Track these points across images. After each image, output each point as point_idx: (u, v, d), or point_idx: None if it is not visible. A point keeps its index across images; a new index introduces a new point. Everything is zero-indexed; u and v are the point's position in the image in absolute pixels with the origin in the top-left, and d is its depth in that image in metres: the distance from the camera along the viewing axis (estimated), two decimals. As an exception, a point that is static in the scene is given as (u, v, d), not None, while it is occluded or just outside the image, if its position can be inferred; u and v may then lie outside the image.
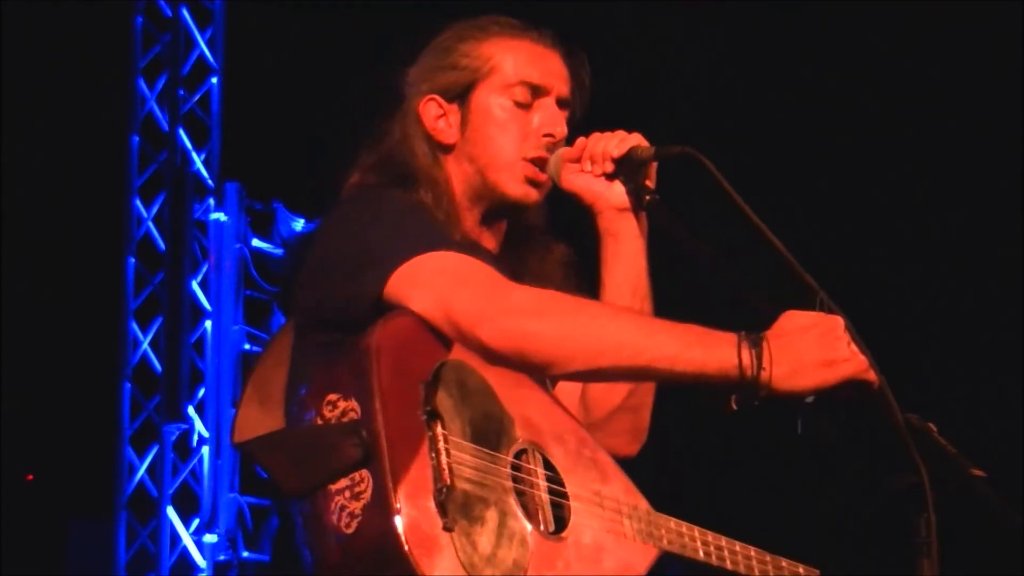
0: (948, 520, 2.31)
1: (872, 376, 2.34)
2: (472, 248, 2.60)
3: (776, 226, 2.46)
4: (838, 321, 2.35)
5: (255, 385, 2.63)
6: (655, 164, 2.73)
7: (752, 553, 2.74)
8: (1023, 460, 6.66)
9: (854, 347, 2.34)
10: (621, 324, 2.37)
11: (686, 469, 8.22)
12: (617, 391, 2.80)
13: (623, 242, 2.77)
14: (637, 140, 2.72)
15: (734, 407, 2.34)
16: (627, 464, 2.76)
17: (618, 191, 2.74)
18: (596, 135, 2.75)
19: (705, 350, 2.33)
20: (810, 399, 2.32)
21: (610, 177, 2.73)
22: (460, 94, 2.72)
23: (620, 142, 2.72)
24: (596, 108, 2.85)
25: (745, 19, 7.87)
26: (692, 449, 8.27)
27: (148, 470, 7.64)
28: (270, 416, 2.57)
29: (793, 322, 2.35)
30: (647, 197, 2.71)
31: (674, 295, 2.62)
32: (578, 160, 2.75)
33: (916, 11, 7.44)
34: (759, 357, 2.30)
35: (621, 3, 7.76)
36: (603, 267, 2.80)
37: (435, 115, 2.73)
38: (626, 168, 2.71)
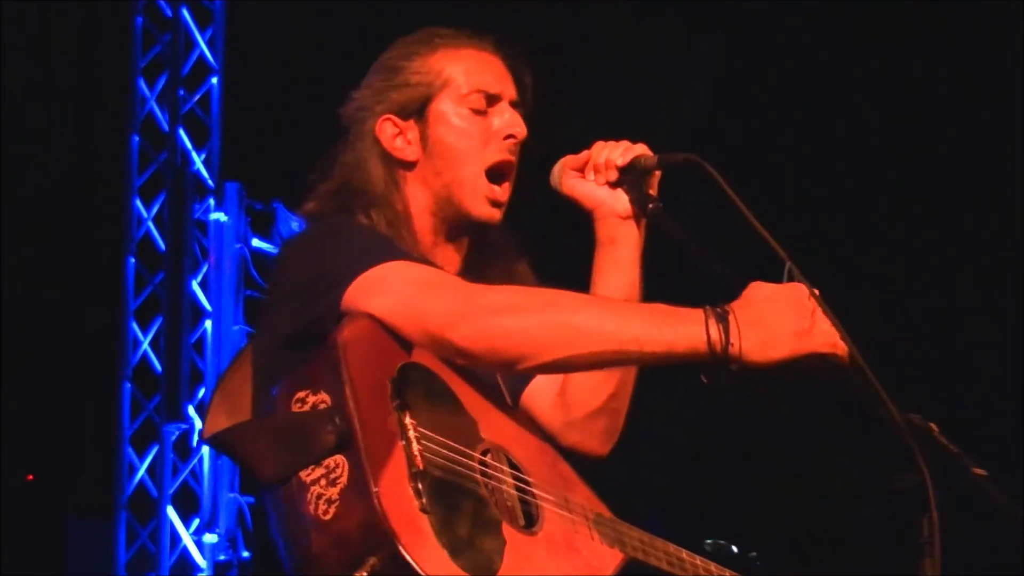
0: (950, 520, 2.31)
1: (842, 350, 2.34)
2: (427, 264, 2.60)
3: (776, 233, 2.46)
4: (802, 289, 2.37)
5: (222, 396, 2.64)
6: (659, 173, 2.74)
7: (713, 568, 2.74)
8: (1023, 460, 6.67)
9: (822, 317, 2.35)
10: (589, 313, 2.39)
11: (687, 470, 8.23)
12: (599, 393, 2.79)
13: (620, 249, 2.78)
14: (641, 150, 2.73)
15: (705, 381, 2.35)
16: (625, 466, 2.76)
17: (620, 199, 2.75)
18: (600, 144, 2.76)
19: (673, 329, 2.35)
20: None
21: (613, 185, 2.74)
22: (416, 111, 2.71)
23: (624, 151, 2.72)
24: (597, 116, 2.85)
25: (745, 25, 7.88)
26: (693, 450, 8.28)
27: (148, 470, 7.64)
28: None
29: (759, 292, 2.37)
30: (650, 205, 2.72)
31: (675, 301, 2.62)
32: (581, 169, 2.77)
33: (916, 11, 7.44)
34: (726, 331, 2.32)
35: (625, 4, 7.77)
36: (596, 272, 2.80)
37: (392, 134, 2.72)
38: (630, 177, 2.73)
